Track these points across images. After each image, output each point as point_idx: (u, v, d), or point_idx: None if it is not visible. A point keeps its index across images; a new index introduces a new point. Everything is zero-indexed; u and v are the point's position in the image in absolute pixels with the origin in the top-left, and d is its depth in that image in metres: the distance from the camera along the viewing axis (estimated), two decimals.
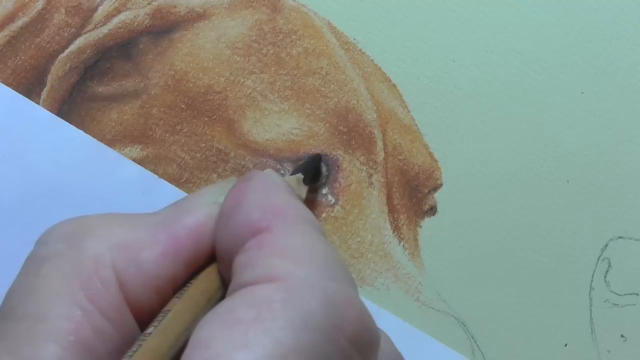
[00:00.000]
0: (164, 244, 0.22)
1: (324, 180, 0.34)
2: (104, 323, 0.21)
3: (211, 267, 0.23)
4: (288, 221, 0.21)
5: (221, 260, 0.22)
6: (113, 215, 0.23)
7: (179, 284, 0.22)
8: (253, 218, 0.21)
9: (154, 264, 0.22)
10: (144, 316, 0.22)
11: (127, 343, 0.21)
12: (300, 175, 0.30)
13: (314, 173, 0.33)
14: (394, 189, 0.34)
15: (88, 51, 0.35)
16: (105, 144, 0.34)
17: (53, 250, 0.22)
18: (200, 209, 0.23)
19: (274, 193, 0.22)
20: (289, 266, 0.20)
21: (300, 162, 0.34)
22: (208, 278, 0.23)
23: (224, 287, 0.23)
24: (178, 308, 0.21)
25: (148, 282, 0.22)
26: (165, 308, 0.22)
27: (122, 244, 0.22)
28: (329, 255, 0.21)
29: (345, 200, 0.34)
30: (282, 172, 0.34)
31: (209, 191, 0.24)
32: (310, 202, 0.34)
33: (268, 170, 0.24)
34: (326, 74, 0.35)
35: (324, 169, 0.34)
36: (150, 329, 0.21)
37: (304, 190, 0.30)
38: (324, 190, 0.34)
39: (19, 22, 0.35)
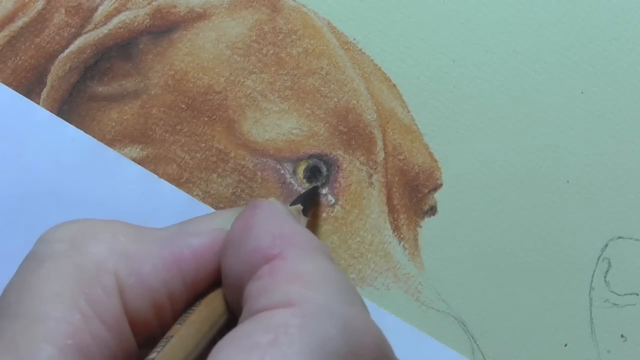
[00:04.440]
0: (167, 260, 0.22)
1: (324, 181, 0.34)
2: (103, 330, 0.21)
3: (215, 293, 0.23)
4: (299, 248, 0.21)
5: (228, 287, 0.22)
6: (119, 222, 0.23)
7: (177, 303, 0.22)
8: (264, 245, 0.21)
9: (155, 278, 0.22)
10: (140, 328, 0.22)
11: (123, 352, 0.21)
12: (299, 206, 0.30)
13: (312, 204, 0.33)
14: (394, 189, 0.34)
15: (88, 51, 0.35)
16: (105, 144, 0.34)
17: (55, 249, 0.22)
18: (207, 233, 0.23)
19: (282, 220, 0.22)
20: (305, 291, 0.20)
21: (299, 194, 0.34)
22: (212, 304, 0.23)
23: (229, 313, 0.23)
24: (181, 334, 0.21)
25: (147, 295, 0.22)
26: (168, 334, 0.22)
27: (126, 252, 0.22)
28: (342, 281, 0.21)
29: (345, 200, 0.34)
30: (282, 171, 0.34)
31: (215, 217, 0.24)
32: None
33: (272, 199, 0.25)
34: (326, 74, 0.35)
35: (324, 169, 0.34)
36: (153, 355, 0.21)
37: (304, 221, 0.30)
38: (324, 190, 0.34)
39: (19, 22, 0.35)
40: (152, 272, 0.22)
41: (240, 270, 0.22)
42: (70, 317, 0.20)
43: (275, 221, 0.22)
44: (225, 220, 0.24)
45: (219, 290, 0.23)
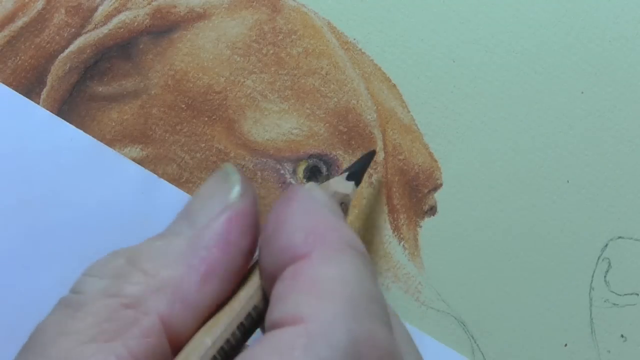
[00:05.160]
0: (200, 270, 0.22)
1: (323, 181, 0.34)
2: None
3: (252, 281, 0.23)
4: (328, 247, 0.21)
5: (265, 280, 0.22)
6: (144, 249, 0.23)
7: (220, 300, 0.23)
8: (295, 243, 0.21)
9: (197, 294, 0.22)
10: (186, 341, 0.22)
11: None
12: (344, 176, 0.29)
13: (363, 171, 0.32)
14: (394, 189, 0.34)
15: (88, 51, 0.35)
16: (105, 144, 0.34)
17: (91, 295, 0.22)
18: (218, 220, 0.23)
19: (317, 213, 0.22)
20: (317, 304, 0.20)
21: (353, 163, 0.32)
22: (252, 297, 0.23)
23: (266, 300, 0.23)
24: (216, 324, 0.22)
25: (193, 312, 0.22)
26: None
27: (161, 286, 0.22)
28: (362, 288, 0.21)
29: None
30: (282, 171, 0.34)
31: (212, 193, 0.24)
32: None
33: (310, 185, 0.24)
34: (326, 74, 0.35)
35: (324, 169, 0.34)
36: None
37: (353, 194, 0.29)
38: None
39: (19, 22, 0.35)
40: (192, 290, 0.22)
41: (273, 268, 0.22)
42: None
43: (308, 215, 0.22)
44: (222, 193, 0.23)
45: (250, 284, 0.23)
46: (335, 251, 0.21)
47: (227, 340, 0.22)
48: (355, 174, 0.29)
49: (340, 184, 0.28)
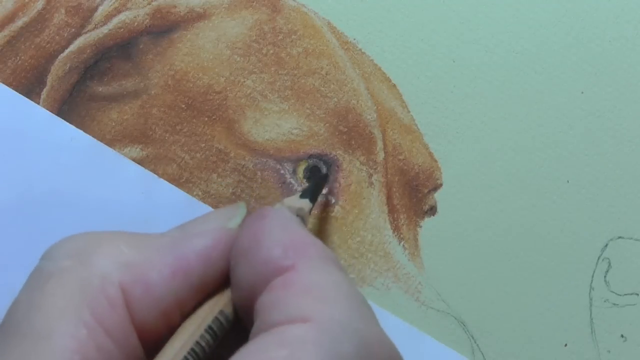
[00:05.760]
0: (173, 266, 0.22)
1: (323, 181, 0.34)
2: (108, 342, 0.21)
3: (215, 297, 0.23)
4: (311, 259, 0.21)
5: (238, 295, 0.22)
6: (121, 233, 0.23)
7: (186, 308, 0.22)
8: (275, 256, 0.21)
9: (162, 285, 0.22)
10: (149, 337, 0.22)
11: None
12: (307, 204, 0.30)
13: (317, 194, 0.33)
14: (394, 189, 0.34)
15: (88, 51, 0.35)
16: (105, 144, 0.34)
17: (59, 266, 0.22)
18: (209, 233, 0.23)
19: (292, 229, 0.22)
20: (319, 306, 0.20)
21: (309, 184, 0.33)
22: (212, 308, 0.23)
23: (235, 318, 0.23)
24: (176, 339, 0.22)
25: (155, 303, 0.22)
26: (170, 340, 0.22)
27: (130, 263, 0.22)
28: (354, 293, 0.21)
29: (345, 200, 0.34)
30: (282, 171, 0.34)
31: (216, 216, 0.24)
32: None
33: (279, 206, 0.25)
34: (326, 74, 0.35)
35: (324, 169, 0.34)
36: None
37: (308, 219, 0.30)
38: (324, 190, 0.34)
39: (19, 22, 0.35)
40: (159, 280, 0.22)
41: (251, 281, 0.22)
42: (76, 332, 0.20)
43: (285, 231, 0.22)
44: (224, 217, 0.24)
45: (221, 294, 0.23)
46: (319, 262, 0.21)
47: (197, 343, 0.22)
48: (308, 193, 0.30)
49: (295, 201, 0.28)
